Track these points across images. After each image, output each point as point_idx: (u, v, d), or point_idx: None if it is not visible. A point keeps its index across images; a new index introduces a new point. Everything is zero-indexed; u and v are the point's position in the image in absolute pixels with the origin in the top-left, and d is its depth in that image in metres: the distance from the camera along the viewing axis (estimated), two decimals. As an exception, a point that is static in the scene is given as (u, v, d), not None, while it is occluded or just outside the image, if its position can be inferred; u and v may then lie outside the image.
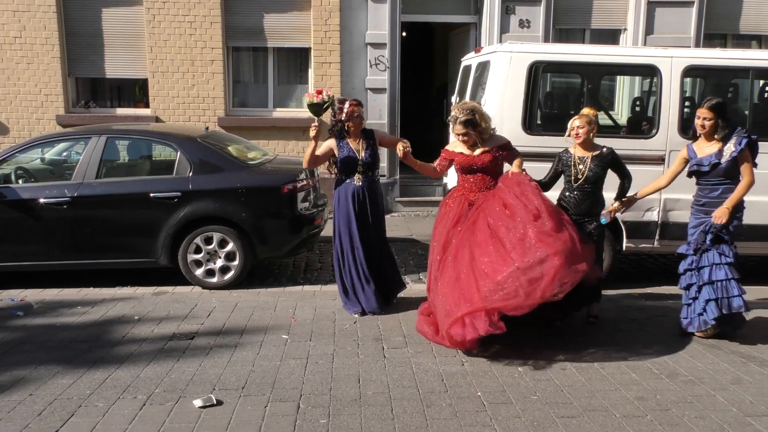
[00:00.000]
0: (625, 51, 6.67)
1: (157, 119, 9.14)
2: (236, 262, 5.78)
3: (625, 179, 4.72)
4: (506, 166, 4.80)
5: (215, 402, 3.53)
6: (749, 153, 4.39)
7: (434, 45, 12.19)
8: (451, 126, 4.73)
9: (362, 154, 5.00)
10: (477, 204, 4.57)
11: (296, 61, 9.60)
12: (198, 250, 5.78)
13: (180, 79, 9.13)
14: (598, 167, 4.59)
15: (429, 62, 12.30)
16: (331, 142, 5.06)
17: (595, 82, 6.19)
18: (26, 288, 5.78)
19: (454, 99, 7.37)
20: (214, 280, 5.82)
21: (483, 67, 6.06)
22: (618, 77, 8.42)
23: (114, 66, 9.20)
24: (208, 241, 5.78)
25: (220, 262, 5.80)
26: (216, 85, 9.19)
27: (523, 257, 4.06)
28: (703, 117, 4.39)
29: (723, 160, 4.37)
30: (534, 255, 4.05)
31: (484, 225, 4.36)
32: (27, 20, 8.86)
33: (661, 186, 4.74)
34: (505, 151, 4.71)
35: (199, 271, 5.81)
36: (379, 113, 9.40)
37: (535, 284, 3.99)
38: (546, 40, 9.17)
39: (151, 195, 5.69)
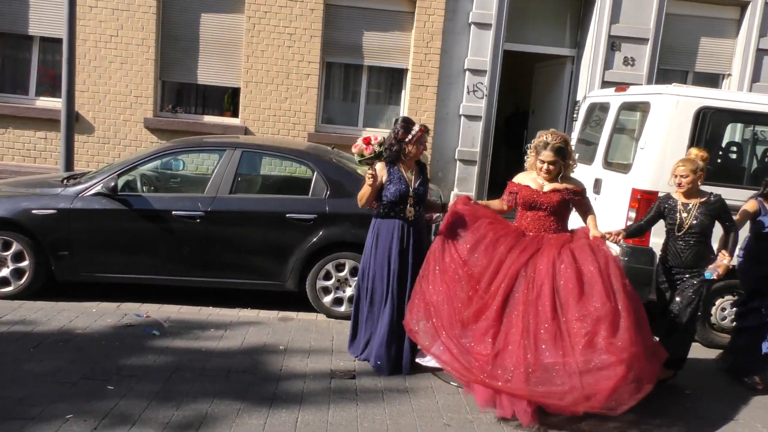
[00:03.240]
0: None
1: (247, 130, 8.91)
2: (367, 292, 5.49)
3: (732, 231, 4.35)
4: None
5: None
6: None
7: (515, 74, 12.01)
8: (532, 153, 4.23)
9: (414, 184, 4.38)
10: (533, 242, 4.01)
11: (389, 81, 9.39)
12: (328, 277, 5.50)
13: (273, 90, 8.91)
14: (704, 215, 4.25)
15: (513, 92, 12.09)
16: (380, 169, 4.35)
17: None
18: (136, 302, 5.50)
19: (575, 135, 7.14)
20: (342, 309, 5.52)
21: (633, 107, 5.83)
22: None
23: (207, 72, 8.98)
24: (339, 267, 5.51)
25: (349, 291, 5.51)
26: (309, 100, 8.96)
27: (584, 355, 3.55)
28: None
29: None
30: (598, 357, 3.54)
31: (549, 287, 3.75)
32: (125, 19, 8.65)
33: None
34: (578, 197, 4.21)
35: (327, 299, 5.52)
36: (472, 141, 9.17)
37: (588, 391, 3.50)
38: (650, 79, 8.99)
39: (287, 215, 5.42)
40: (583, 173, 6.45)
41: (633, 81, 8.77)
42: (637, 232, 4.52)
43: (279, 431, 3.45)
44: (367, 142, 4.35)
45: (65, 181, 5.77)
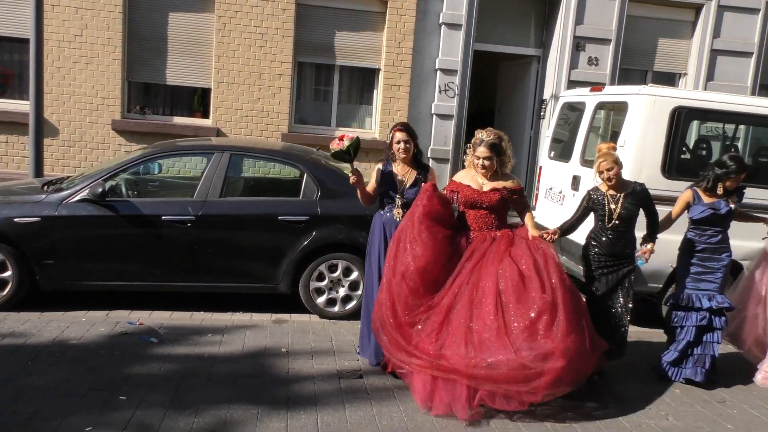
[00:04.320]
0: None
1: (219, 131, 8.79)
2: (359, 292, 5.55)
3: (655, 218, 4.60)
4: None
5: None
6: None
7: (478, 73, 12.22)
8: (471, 150, 4.33)
9: (406, 185, 4.42)
10: (478, 246, 4.18)
11: (361, 81, 9.43)
12: (321, 278, 5.53)
13: (246, 91, 8.82)
14: (631, 205, 4.47)
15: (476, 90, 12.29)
16: (377, 169, 4.50)
17: (738, 130, 6.29)
18: (125, 309, 5.41)
19: (548, 133, 7.37)
20: (335, 309, 5.56)
21: (612, 107, 6.07)
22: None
23: (176, 73, 8.81)
24: (332, 268, 5.54)
25: (342, 291, 5.55)
26: (282, 100, 8.92)
27: (524, 349, 3.71)
28: (735, 180, 4.57)
29: (733, 207, 4.56)
30: (537, 350, 3.70)
31: (492, 289, 3.92)
32: (90, 18, 8.40)
33: (666, 228, 4.76)
34: (516, 195, 4.36)
35: (320, 300, 5.54)
36: (444, 139, 9.32)
37: (530, 383, 3.68)
38: (612, 79, 9.34)
39: (279, 218, 5.41)
40: (560, 170, 6.71)
41: (597, 80, 9.11)
42: (570, 229, 4.62)
43: (304, 434, 3.48)
44: (341, 138, 4.36)
45: (45, 187, 5.59)
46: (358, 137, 4.37)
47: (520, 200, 4.42)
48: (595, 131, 6.45)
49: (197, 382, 4.02)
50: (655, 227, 4.61)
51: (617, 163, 4.43)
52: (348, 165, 4.52)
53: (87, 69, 8.49)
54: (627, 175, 5.49)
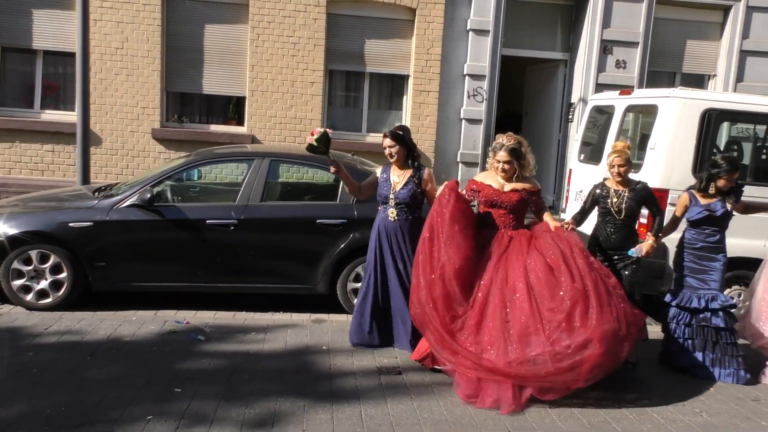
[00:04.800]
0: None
1: (254, 138, 9.06)
2: (396, 293, 5.71)
3: (659, 215, 4.83)
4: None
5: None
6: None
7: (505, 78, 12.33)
8: (491, 154, 4.55)
9: (398, 187, 4.72)
10: (504, 243, 4.35)
11: (391, 87, 9.63)
12: (357, 279, 5.71)
13: (279, 99, 9.08)
14: (633, 201, 4.71)
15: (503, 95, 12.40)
16: (378, 169, 4.99)
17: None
18: (170, 309, 5.65)
19: (578, 136, 7.47)
20: (372, 309, 5.75)
21: (641, 110, 6.16)
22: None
23: (212, 82, 9.11)
24: (367, 269, 5.72)
25: (379, 292, 5.73)
26: (314, 107, 9.16)
27: (562, 340, 3.88)
28: (727, 180, 4.69)
29: (729, 208, 4.71)
30: (575, 339, 3.87)
31: (524, 284, 4.09)
32: (131, 32, 8.74)
33: (669, 233, 4.96)
34: (535, 197, 4.56)
35: (357, 300, 5.73)
36: (473, 143, 9.46)
37: (572, 371, 3.86)
38: (641, 82, 9.38)
39: (318, 221, 5.62)
40: (590, 173, 6.81)
41: (625, 83, 9.15)
42: (581, 219, 4.87)
43: (348, 424, 3.65)
44: (312, 134, 4.63)
45: (96, 193, 5.88)
46: (326, 131, 4.64)
47: (538, 201, 4.63)
48: (624, 134, 6.54)
49: (246, 377, 4.23)
50: (658, 224, 4.82)
51: (629, 163, 4.68)
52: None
53: (128, 80, 8.84)
54: (658, 176, 5.64)
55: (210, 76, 9.10)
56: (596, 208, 4.85)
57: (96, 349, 4.55)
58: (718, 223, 4.75)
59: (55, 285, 5.44)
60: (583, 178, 6.99)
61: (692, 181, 5.58)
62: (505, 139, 4.49)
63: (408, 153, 4.79)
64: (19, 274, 5.39)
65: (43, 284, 5.41)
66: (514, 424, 3.82)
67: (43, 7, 8.70)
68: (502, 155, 4.44)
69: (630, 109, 6.43)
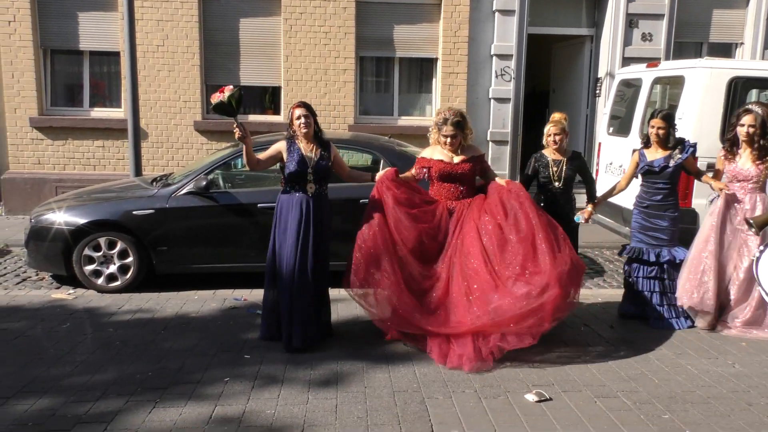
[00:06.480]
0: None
1: (290, 126, 9.41)
2: (436, 266, 6.04)
3: (593, 182, 5.19)
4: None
5: (547, 397, 3.81)
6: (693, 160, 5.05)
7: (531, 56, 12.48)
8: (434, 129, 4.73)
9: (314, 161, 4.58)
10: (460, 215, 4.60)
11: (420, 71, 9.90)
12: (400, 254, 6.05)
13: (313, 87, 9.43)
14: (570, 169, 4.99)
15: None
16: (280, 145, 4.60)
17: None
18: (227, 288, 6.06)
19: (606, 110, 7.66)
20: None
21: (668, 81, 6.34)
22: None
23: (249, 74, 9.50)
24: (409, 245, 6.05)
25: (420, 266, 6.06)
26: (347, 94, 9.48)
27: (520, 288, 4.14)
28: (657, 127, 4.91)
29: (671, 164, 4.90)
30: (534, 283, 4.12)
31: (477, 246, 4.36)
32: (170, 29, 9.16)
33: (621, 188, 5.21)
34: (481, 162, 4.81)
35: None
36: (502, 122, 9.70)
37: (535, 316, 4.09)
38: (667, 54, 9.48)
39: (361, 201, 5.95)
40: (619, 145, 7.02)
41: (652, 56, 9.26)
42: (526, 186, 5.07)
43: (404, 381, 4.02)
44: (221, 90, 4.27)
45: (154, 183, 6.32)
46: (239, 87, 4.35)
47: (483, 164, 4.87)
48: (652, 105, 6.72)
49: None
50: (592, 190, 5.18)
51: (564, 131, 4.99)
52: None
53: (170, 75, 9.27)
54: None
55: (246, 68, 9.48)
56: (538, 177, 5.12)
57: (167, 324, 4.99)
58: (661, 178, 4.96)
59: (123, 269, 5.90)
60: (612, 150, 7.21)
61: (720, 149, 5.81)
62: (448, 113, 4.68)
63: (317, 128, 4.72)
64: (90, 260, 5.87)
65: (112, 268, 5.88)
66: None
67: (88, 9, 9.17)
68: (449, 129, 4.63)
69: (657, 81, 6.62)
